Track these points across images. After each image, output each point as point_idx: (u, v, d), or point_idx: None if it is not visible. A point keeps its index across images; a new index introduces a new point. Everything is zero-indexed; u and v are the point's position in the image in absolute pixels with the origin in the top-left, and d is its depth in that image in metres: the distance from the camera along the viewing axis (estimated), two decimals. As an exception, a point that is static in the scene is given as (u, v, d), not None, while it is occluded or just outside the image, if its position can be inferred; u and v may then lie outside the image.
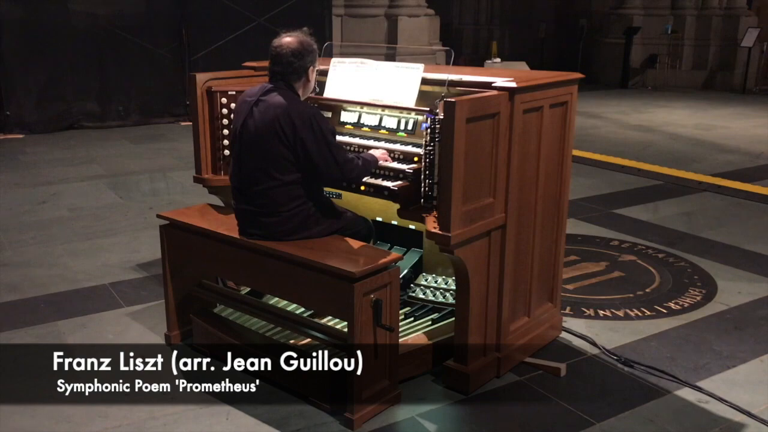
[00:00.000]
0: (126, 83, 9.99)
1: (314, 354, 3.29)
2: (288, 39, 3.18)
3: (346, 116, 3.79)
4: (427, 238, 3.11)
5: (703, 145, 9.32)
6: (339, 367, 3.08)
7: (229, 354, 3.46)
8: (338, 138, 3.35)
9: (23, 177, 7.13)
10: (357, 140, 3.60)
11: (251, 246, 3.20)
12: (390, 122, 3.63)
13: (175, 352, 3.60)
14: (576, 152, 5.71)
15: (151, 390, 3.27)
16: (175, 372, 3.43)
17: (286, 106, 3.08)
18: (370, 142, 3.56)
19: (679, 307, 4.25)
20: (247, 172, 3.18)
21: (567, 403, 3.21)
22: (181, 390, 3.27)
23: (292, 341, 3.42)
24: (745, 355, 3.66)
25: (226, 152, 3.75)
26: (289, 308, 3.57)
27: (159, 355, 3.58)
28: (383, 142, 3.54)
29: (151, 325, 3.90)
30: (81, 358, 3.56)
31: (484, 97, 2.99)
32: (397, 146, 3.48)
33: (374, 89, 3.60)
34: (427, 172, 3.05)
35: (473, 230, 3.03)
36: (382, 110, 3.64)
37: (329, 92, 3.75)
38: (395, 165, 3.35)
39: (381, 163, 3.34)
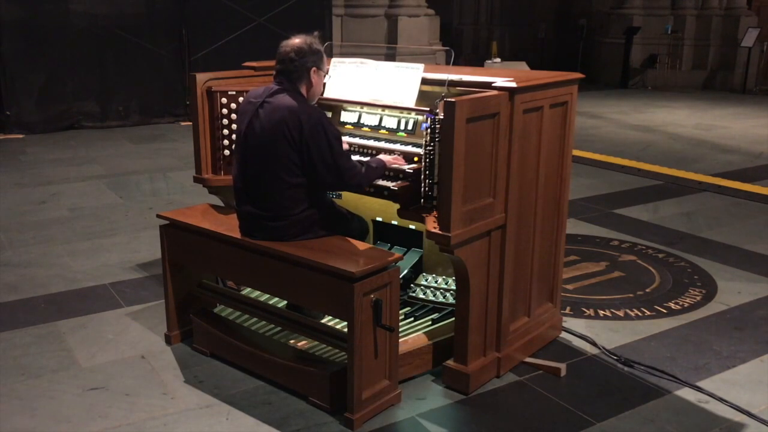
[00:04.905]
0: (126, 83, 10.00)
1: (314, 354, 3.30)
2: (294, 40, 3.21)
3: (346, 116, 3.79)
4: (427, 238, 3.11)
5: (703, 145, 9.33)
6: (339, 367, 3.09)
7: (229, 354, 3.48)
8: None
9: (23, 177, 7.14)
10: (357, 140, 3.61)
11: (251, 246, 3.20)
12: (390, 122, 3.63)
13: (174, 353, 3.62)
14: (576, 152, 5.72)
15: (151, 390, 3.27)
16: (174, 372, 3.44)
17: (293, 108, 3.07)
18: (370, 142, 3.56)
19: (679, 307, 4.25)
20: (252, 174, 3.17)
21: (567, 403, 3.21)
22: (181, 390, 3.28)
23: (292, 341, 3.42)
24: (745, 355, 3.66)
25: (226, 152, 3.75)
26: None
27: (159, 356, 3.59)
28: (383, 142, 3.54)
29: (151, 325, 3.90)
30: (81, 358, 3.57)
31: (484, 97, 2.99)
32: (397, 146, 3.48)
33: (374, 89, 3.60)
34: (427, 172, 3.05)
35: (473, 230, 3.03)
36: (382, 110, 3.65)
37: (329, 92, 3.75)
38: (396, 165, 3.35)
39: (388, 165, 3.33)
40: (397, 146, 3.48)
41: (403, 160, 3.35)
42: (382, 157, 3.36)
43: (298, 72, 3.18)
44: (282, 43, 3.21)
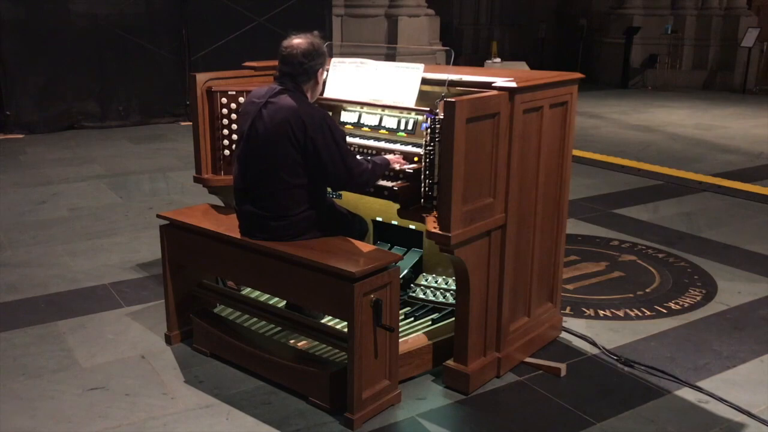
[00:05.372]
0: (126, 83, 10.00)
1: (314, 354, 3.30)
2: (298, 40, 3.17)
3: (346, 116, 3.79)
4: (427, 238, 3.11)
5: (703, 145, 9.33)
6: (339, 367, 3.09)
7: (229, 354, 3.48)
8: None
9: (23, 177, 7.13)
10: (357, 140, 3.60)
11: (251, 246, 3.20)
12: (390, 122, 3.63)
13: (174, 353, 3.62)
14: (576, 152, 5.71)
15: (151, 390, 3.27)
16: (174, 372, 3.44)
17: (296, 108, 3.07)
18: (370, 142, 3.56)
19: (679, 307, 4.25)
20: (254, 174, 3.17)
21: (567, 403, 3.21)
22: (181, 390, 3.28)
23: (292, 341, 3.42)
24: (745, 355, 3.66)
25: (227, 152, 3.75)
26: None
27: (159, 356, 3.59)
28: (383, 142, 3.54)
29: (151, 325, 3.90)
30: (81, 358, 3.57)
31: (484, 97, 2.99)
32: (397, 146, 3.48)
33: (374, 89, 3.60)
34: (427, 172, 3.05)
35: (473, 230, 3.03)
36: (382, 110, 3.65)
37: (329, 92, 3.75)
38: (398, 165, 3.35)
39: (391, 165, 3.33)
40: (397, 146, 3.48)
41: (405, 162, 3.36)
42: (385, 156, 3.37)
43: (307, 75, 3.18)
44: (284, 44, 3.18)
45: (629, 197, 6.72)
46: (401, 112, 3.57)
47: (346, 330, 3.00)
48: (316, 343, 3.33)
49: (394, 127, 3.61)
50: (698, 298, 4.39)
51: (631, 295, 4.41)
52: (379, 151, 3.48)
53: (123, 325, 3.92)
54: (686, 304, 4.28)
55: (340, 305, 2.92)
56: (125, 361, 3.53)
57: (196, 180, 3.83)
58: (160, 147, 8.71)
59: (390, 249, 3.90)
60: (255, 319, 3.58)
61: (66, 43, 9.51)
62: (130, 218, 5.83)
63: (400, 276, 3.30)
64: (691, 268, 4.87)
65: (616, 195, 6.80)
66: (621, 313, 4.14)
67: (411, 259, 3.86)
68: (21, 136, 9.25)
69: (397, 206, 3.23)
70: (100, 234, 5.44)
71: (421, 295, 3.74)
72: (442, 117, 2.88)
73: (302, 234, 3.17)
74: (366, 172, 3.19)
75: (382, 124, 3.65)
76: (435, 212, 3.04)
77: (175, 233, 3.55)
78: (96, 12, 9.70)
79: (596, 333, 3.86)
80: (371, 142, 3.56)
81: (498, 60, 11.49)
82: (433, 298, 3.72)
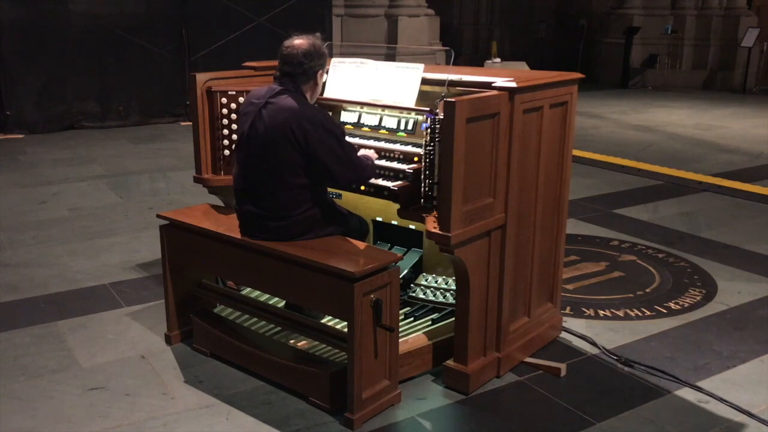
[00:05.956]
0: (126, 83, 9.99)
1: (314, 354, 3.30)
2: (299, 40, 3.17)
3: (346, 116, 3.79)
4: (427, 238, 3.11)
5: (703, 145, 9.33)
6: (339, 367, 3.09)
7: (229, 354, 3.48)
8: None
9: (23, 177, 7.14)
10: (357, 140, 3.60)
11: (251, 246, 3.20)
12: (390, 122, 3.63)
13: (174, 353, 3.62)
14: (576, 152, 5.72)
15: (151, 390, 3.27)
16: (174, 372, 3.44)
17: (296, 110, 3.07)
18: (370, 142, 3.56)
19: (679, 307, 4.25)
20: (254, 175, 3.17)
21: (567, 403, 3.21)
22: (181, 390, 3.28)
23: (292, 341, 3.42)
24: (745, 355, 3.66)
25: (226, 152, 3.75)
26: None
27: (159, 356, 3.59)
28: (383, 142, 3.54)
29: (151, 325, 3.90)
30: (81, 358, 3.57)
31: (484, 97, 2.99)
32: (397, 146, 3.48)
33: (374, 89, 3.60)
34: (427, 172, 3.05)
35: (473, 230, 3.03)
36: (382, 110, 3.65)
37: (329, 92, 3.75)
38: (395, 165, 3.36)
39: (378, 162, 3.36)
40: (397, 146, 3.48)
41: (376, 155, 3.43)
42: (365, 152, 3.41)
43: (306, 75, 3.18)
44: (285, 44, 3.18)
45: (629, 197, 6.72)
46: (401, 112, 3.57)
47: (346, 330, 3.00)
48: (316, 343, 3.33)
49: (394, 127, 3.61)
50: (698, 298, 4.39)
51: (631, 295, 4.41)
52: (379, 151, 3.49)
53: (123, 325, 3.92)
54: (686, 304, 4.28)
55: (340, 305, 2.92)
56: (125, 361, 3.53)
57: (196, 180, 3.83)
58: (160, 147, 8.71)
59: (390, 249, 3.91)
60: (255, 319, 3.58)
61: (66, 43, 9.51)
62: (130, 218, 5.83)
63: (400, 276, 3.30)
64: (691, 268, 4.87)
65: (616, 195, 6.80)
66: (621, 313, 4.14)
67: (411, 259, 3.86)
68: (21, 136, 9.24)
69: (397, 206, 3.23)
70: (100, 234, 5.44)
71: (421, 295, 3.74)
72: (442, 117, 2.88)
73: (303, 234, 3.17)
74: (369, 167, 3.25)
75: (382, 124, 3.65)
76: (435, 212, 3.04)
77: (175, 233, 3.55)
78: (96, 12, 9.70)
79: (596, 333, 3.86)
80: (371, 142, 3.56)
81: (498, 60, 11.50)
82: (433, 298, 3.72)
